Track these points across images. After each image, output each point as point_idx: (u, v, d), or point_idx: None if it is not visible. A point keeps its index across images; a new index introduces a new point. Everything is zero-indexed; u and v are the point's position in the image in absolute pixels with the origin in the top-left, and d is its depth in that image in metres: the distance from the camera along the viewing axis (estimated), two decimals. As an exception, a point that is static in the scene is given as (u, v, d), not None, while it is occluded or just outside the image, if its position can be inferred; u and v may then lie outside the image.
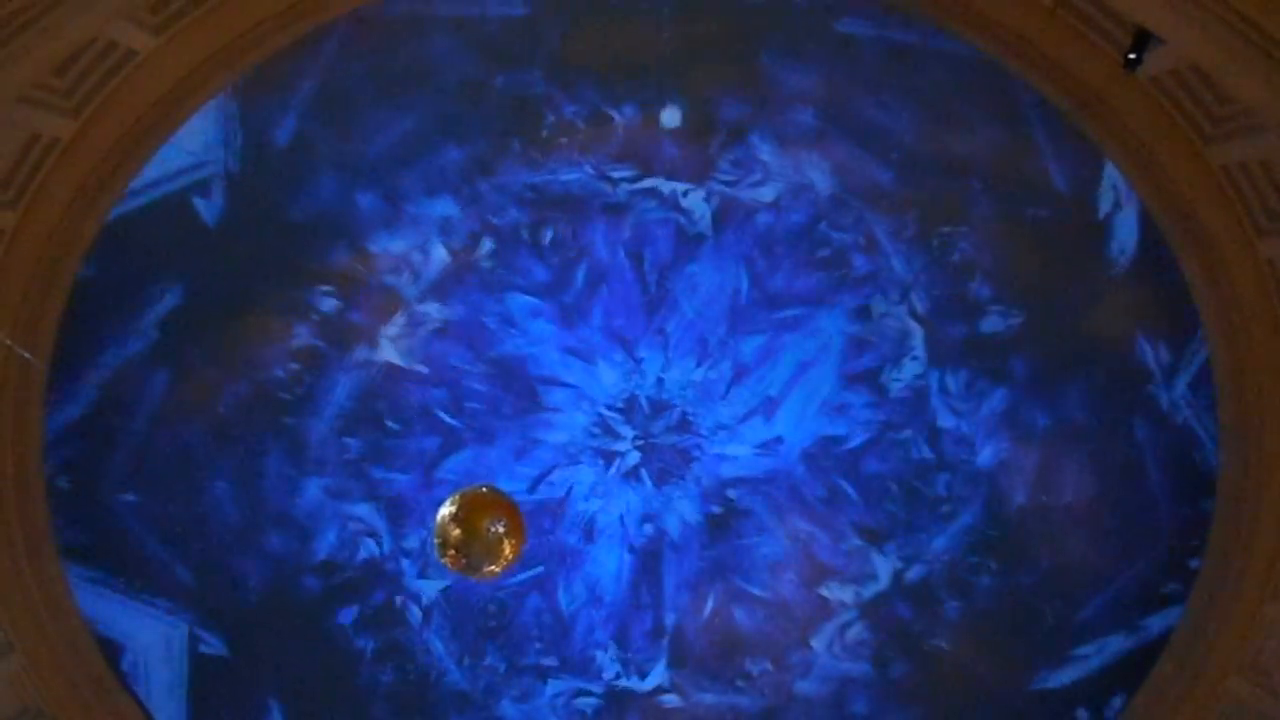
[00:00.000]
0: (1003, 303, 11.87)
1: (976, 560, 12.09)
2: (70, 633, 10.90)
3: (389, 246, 11.87)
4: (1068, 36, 9.90)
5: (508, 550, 7.49)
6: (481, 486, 7.68)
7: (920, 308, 12.05)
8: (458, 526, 7.42)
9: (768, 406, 12.44)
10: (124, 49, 9.40)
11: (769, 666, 12.30)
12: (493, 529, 7.44)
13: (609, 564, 12.59)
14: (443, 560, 7.55)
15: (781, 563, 12.45)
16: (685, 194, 11.98)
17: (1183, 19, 8.19)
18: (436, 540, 7.55)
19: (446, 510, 7.53)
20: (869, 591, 12.32)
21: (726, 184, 11.99)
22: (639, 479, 12.58)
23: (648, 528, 12.57)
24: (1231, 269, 10.09)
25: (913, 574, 12.22)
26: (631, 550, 12.56)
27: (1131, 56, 9.27)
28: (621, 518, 12.62)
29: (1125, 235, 11.41)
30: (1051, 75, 10.23)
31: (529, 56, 11.38)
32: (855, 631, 12.28)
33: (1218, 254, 10.16)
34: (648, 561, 12.50)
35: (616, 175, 11.93)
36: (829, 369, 12.33)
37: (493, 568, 7.53)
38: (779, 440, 12.46)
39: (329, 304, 11.89)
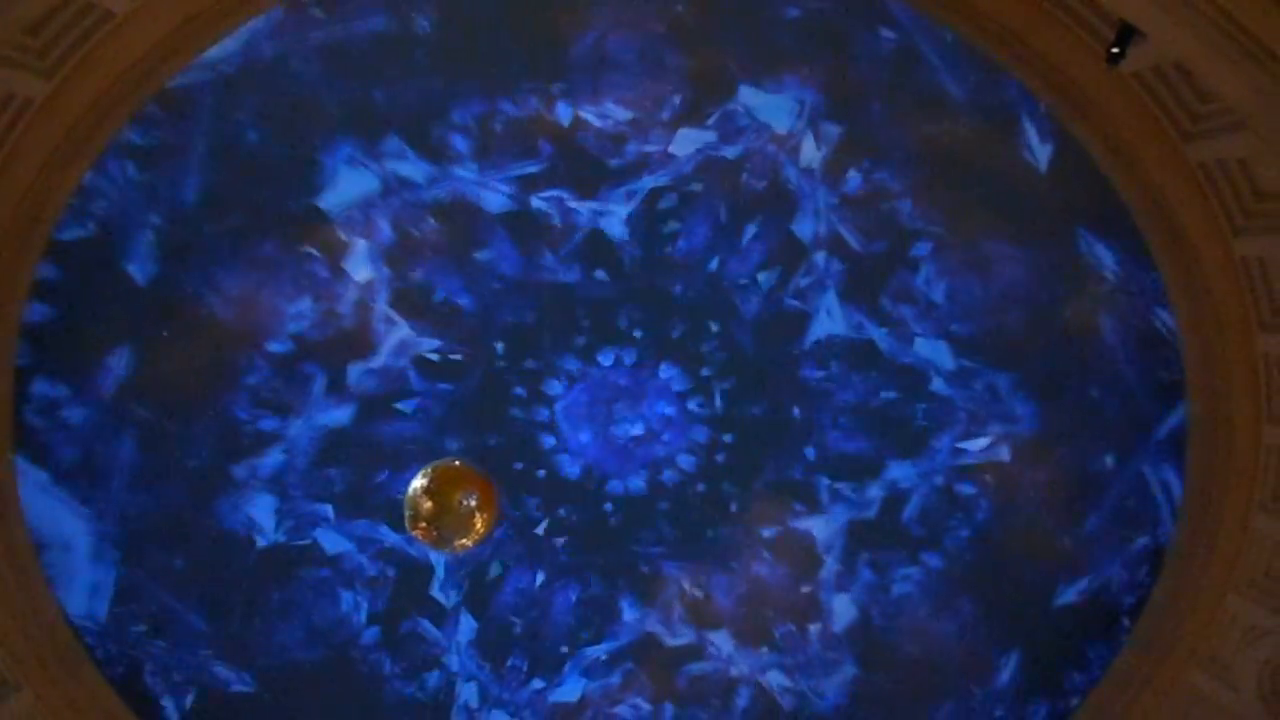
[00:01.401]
0: (930, 223, 11.93)
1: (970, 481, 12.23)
2: (36, 602, 10.81)
3: (324, 280, 11.95)
4: (1053, 30, 9.91)
5: (479, 524, 7.45)
6: (454, 459, 7.63)
7: (854, 244, 12.12)
8: (429, 499, 7.37)
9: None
10: (101, 10, 9.23)
11: (792, 627, 12.42)
12: (465, 502, 7.40)
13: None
14: (414, 533, 7.49)
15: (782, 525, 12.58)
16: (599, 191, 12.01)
17: (1166, 14, 8.21)
18: (408, 513, 7.48)
19: (419, 483, 7.47)
20: (859, 526, 12.45)
21: (632, 171, 12.04)
22: (626, 455, 12.66)
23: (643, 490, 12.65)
24: (1206, 266, 10.18)
25: (908, 511, 12.37)
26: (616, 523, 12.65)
27: (1115, 51, 9.29)
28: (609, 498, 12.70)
29: (1037, 137, 11.52)
30: (1036, 68, 10.25)
31: (403, 68, 11.41)
32: (865, 576, 12.40)
33: (1194, 251, 10.24)
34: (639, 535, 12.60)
35: (522, 175, 11.95)
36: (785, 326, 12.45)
37: (464, 541, 7.49)
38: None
39: (280, 345, 11.95)
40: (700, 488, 12.62)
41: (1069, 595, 12.06)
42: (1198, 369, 10.71)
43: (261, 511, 12.04)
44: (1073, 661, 11.82)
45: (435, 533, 7.41)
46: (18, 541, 10.69)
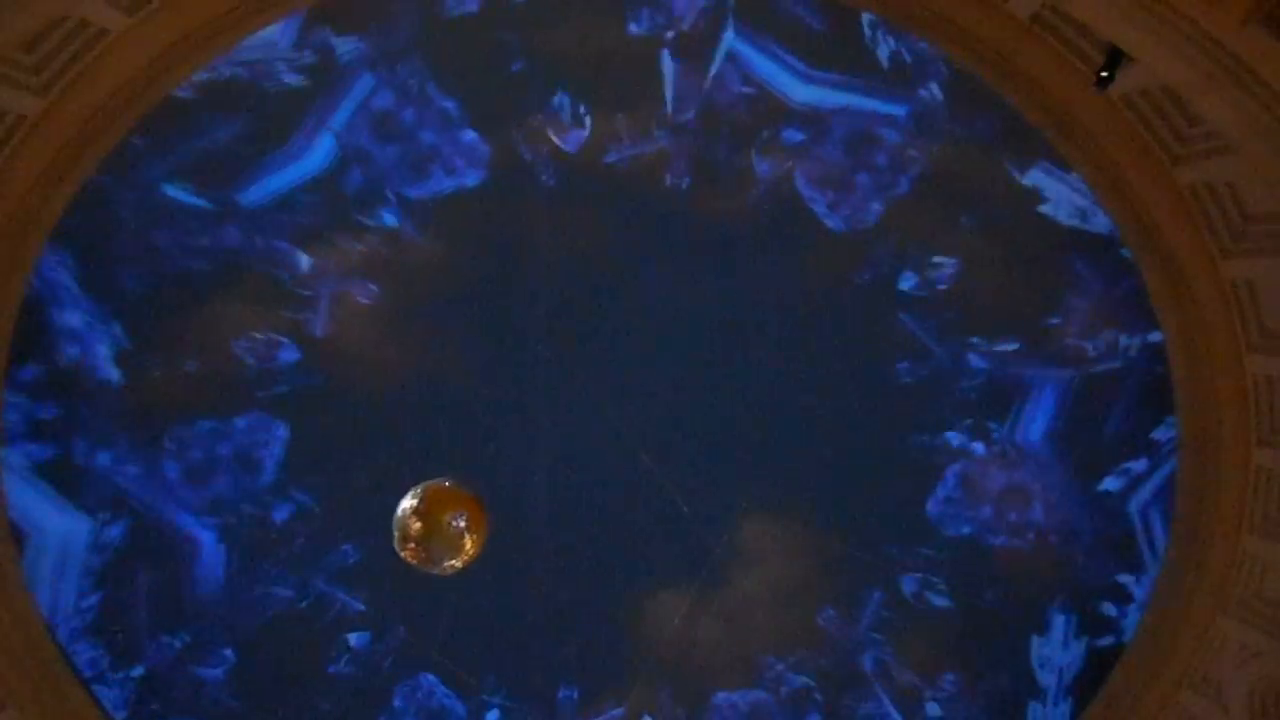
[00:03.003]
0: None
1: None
2: (19, 616, 10.72)
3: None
4: (1043, 53, 9.97)
5: (469, 545, 7.38)
6: (444, 480, 7.55)
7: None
8: (419, 520, 7.30)
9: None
10: (96, 27, 9.23)
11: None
12: (454, 523, 7.33)
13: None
14: (402, 554, 7.41)
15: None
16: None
17: (1154, 39, 8.28)
18: (396, 534, 7.39)
19: (408, 503, 7.38)
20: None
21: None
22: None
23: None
24: (1194, 287, 10.22)
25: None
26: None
27: (1104, 74, 9.36)
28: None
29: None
30: (1025, 90, 10.30)
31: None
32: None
33: (1181, 272, 10.28)
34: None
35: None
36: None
37: (453, 562, 7.42)
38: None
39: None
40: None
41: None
42: (1187, 390, 10.73)
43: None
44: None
45: (424, 553, 7.34)
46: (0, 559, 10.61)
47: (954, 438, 12.67)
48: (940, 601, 12.41)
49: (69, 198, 10.25)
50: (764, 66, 12.30)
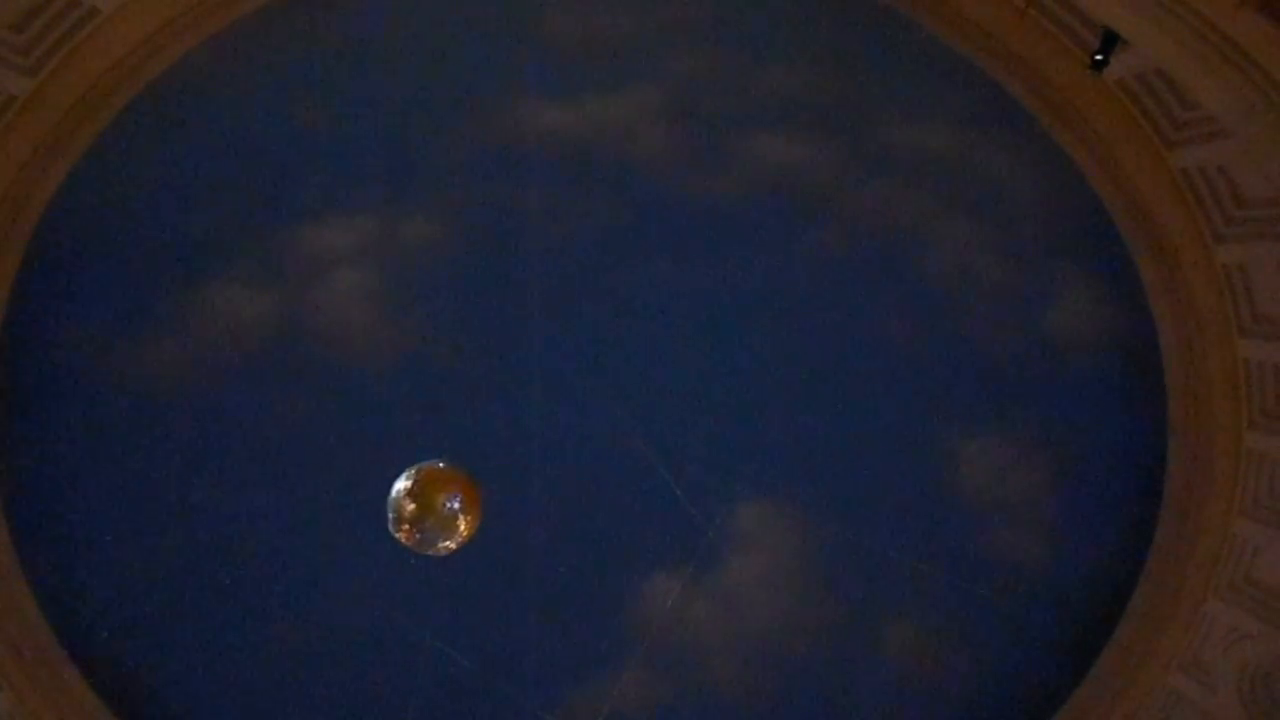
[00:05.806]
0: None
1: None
2: (14, 599, 10.73)
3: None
4: (1037, 36, 9.98)
5: (463, 526, 7.39)
6: (438, 461, 7.56)
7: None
8: (413, 501, 7.31)
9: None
10: (86, 7, 9.20)
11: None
12: (448, 505, 7.34)
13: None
14: (397, 535, 7.42)
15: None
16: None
17: (1149, 22, 8.29)
18: (390, 515, 7.39)
19: (402, 485, 7.39)
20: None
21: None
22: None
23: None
24: (1188, 272, 10.26)
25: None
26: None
27: (1098, 58, 9.37)
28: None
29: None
30: (1019, 73, 10.32)
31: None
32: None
33: (1175, 258, 10.32)
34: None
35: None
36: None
37: (448, 543, 7.43)
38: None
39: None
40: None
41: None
42: (1178, 374, 10.77)
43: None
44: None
45: (418, 535, 7.35)
46: (-3, 542, 10.62)
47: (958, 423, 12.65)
48: (939, 587, 12.44)
49: (60, 180, 10.22)
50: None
